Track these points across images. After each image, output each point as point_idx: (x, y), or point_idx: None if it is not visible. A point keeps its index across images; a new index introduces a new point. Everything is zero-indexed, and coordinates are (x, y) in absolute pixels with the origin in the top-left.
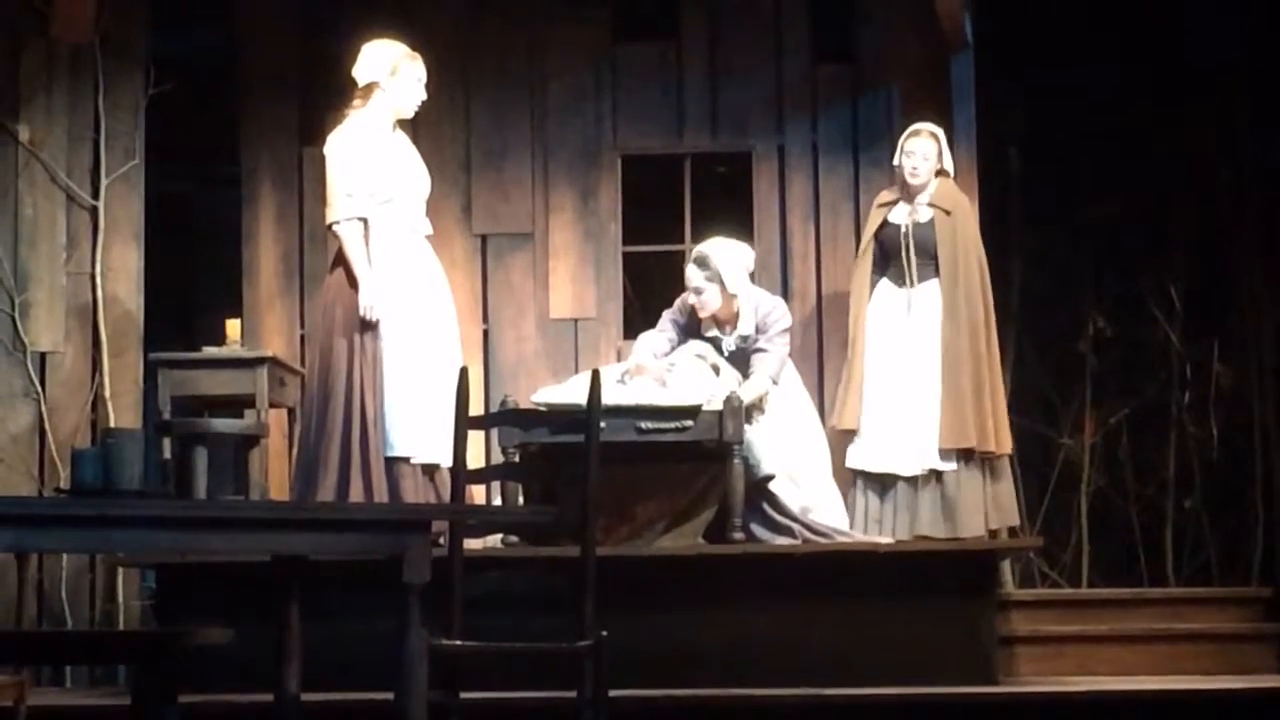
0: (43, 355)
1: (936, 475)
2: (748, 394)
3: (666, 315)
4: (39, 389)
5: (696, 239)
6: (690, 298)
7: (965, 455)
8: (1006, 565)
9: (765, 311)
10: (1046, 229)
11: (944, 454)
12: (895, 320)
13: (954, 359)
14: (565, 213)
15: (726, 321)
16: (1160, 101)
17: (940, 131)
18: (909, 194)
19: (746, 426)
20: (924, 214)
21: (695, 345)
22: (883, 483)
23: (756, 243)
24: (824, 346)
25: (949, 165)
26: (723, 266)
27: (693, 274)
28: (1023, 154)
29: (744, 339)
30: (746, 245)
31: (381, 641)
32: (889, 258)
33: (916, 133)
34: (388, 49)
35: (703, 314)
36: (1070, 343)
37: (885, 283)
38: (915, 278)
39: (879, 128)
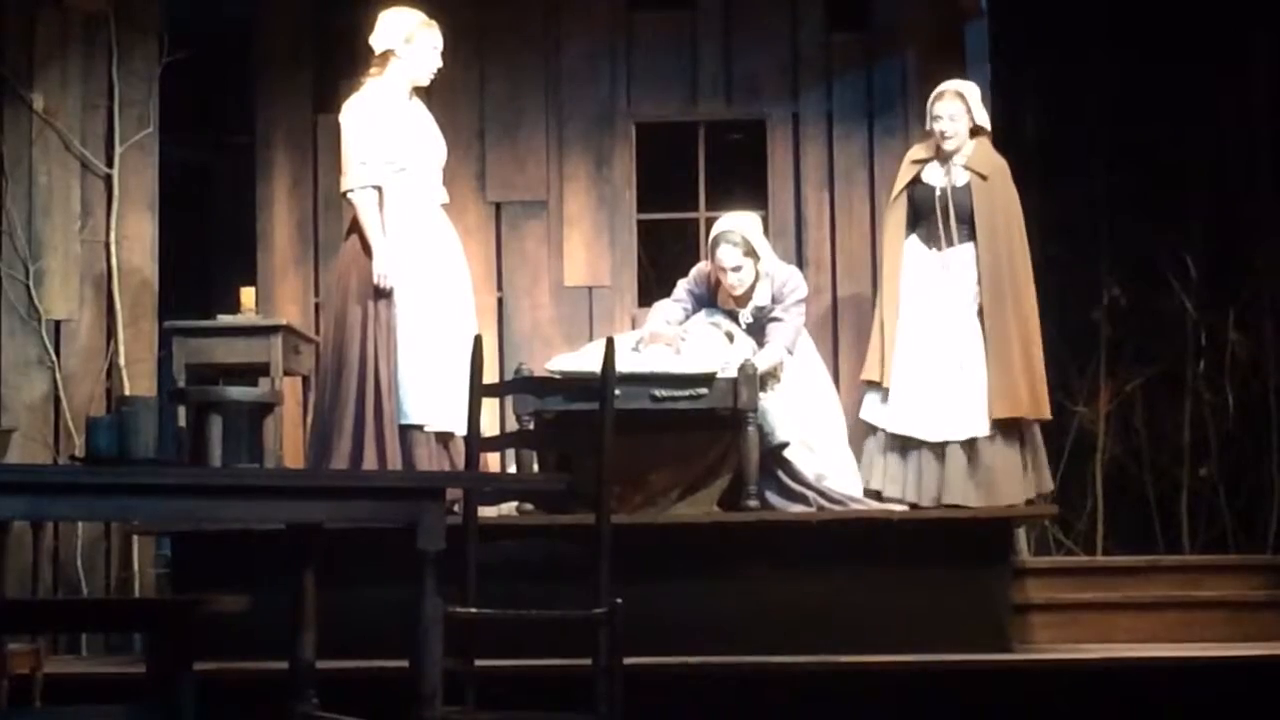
0: (57, 324)
1: (969, 444)
2: (763, 363)
3: (682, 284)
4: (54, 357)
5: (711, 207)
6: (728, 277)
7: (1002, 424)
8: (1022, 533)
9: (781, 281)
10: (1061, 196)
11: (991, 421)
12: (928, 282)
13: (999, 328)
14: (579, 180)
15: (739, 300)
16: (1175, 69)
17: (967, 87)
18: (943, 156)
19: (761, 394)
20: (960, 177)
21: (710, 313)
22: (904, 444)
23: (771, 211)
24: (838, 314)
25: (983, 121)
26: (755, 241)
27: (730, 254)
28: (1037, 121)
29: (760, 309)
30: (752, 214)
31: (396, 609)
32: (920, 217)
33: (941, 95)
34: (404, 17)
35: (737, 292)
36: (1085, 310)
37: (915, 241)
38: (947, 241)
39: (893, 95)
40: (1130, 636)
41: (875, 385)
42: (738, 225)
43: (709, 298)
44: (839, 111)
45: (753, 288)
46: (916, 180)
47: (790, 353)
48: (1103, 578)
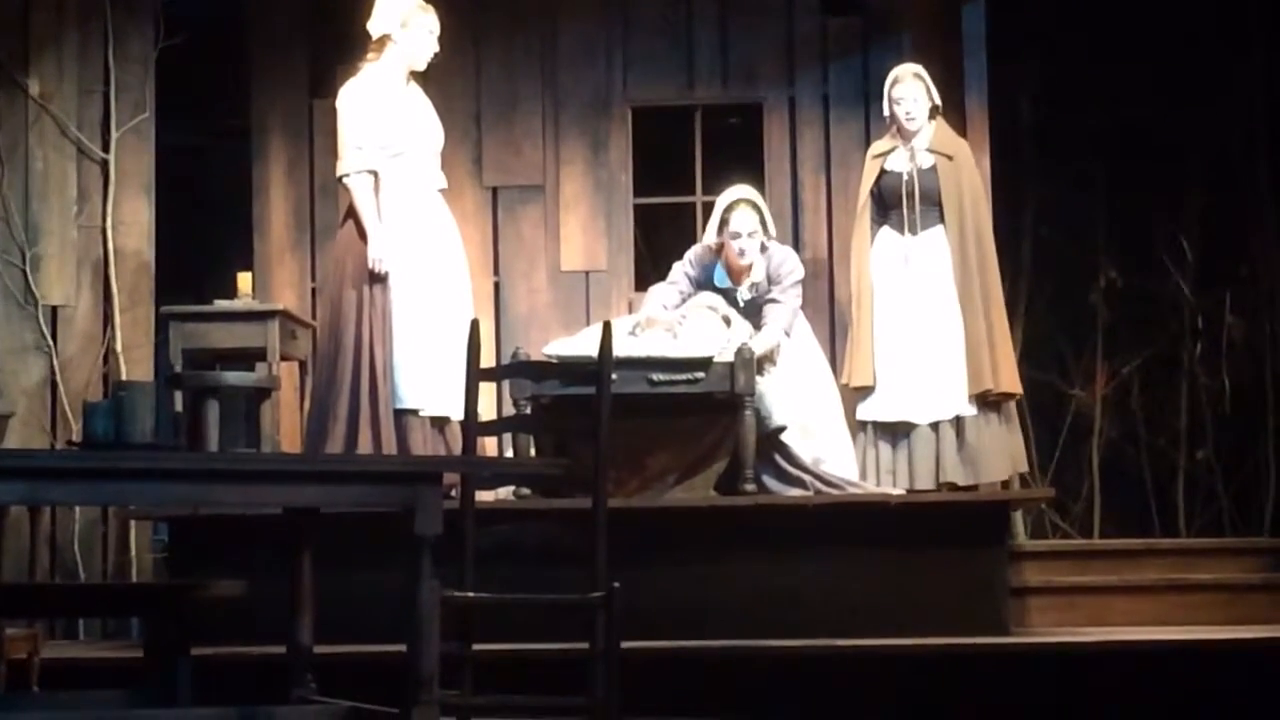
0: (54, 309)
1: (957, 421)
2: (759, 345)
3: (678, 267)
4: (51, 342)
5: (708, 191)
6: (739, 242)
7: (983, 400)
8: (1018, 516)
9: (778, 262)
10: (1057, 179)
11: (969, 397)
12: (902, 269)
13: (969, 305)
14: (576, 165)
15: (741, 272)
16: (1173, 52)
17: (922, 70)
18: (905, 139)
19: (758, 378)
20: (925, 160)
21: (706, 297)
22: (894, 432)
23: (768, 195)
24: (835, 298)
25: (938, 100)
26: (766, 213)
27: (748, 219)
28: (1034, 105)
29: (756, 285)
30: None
31: (394, 594)
32: (889, 207)
33: (900, 78)
34: (400, 1)
35: (744, 260)
36: (1082, 294)
37: (887, 231)
38: (918, 225)
39: None
40: (1127, 619)
41: (864, 388)
42: (755, 196)
43: (705, 279)
44: (835, 95)
45: (750, 265)
46: (882, 173)
47: (787, 334)
48: (1099, 561)
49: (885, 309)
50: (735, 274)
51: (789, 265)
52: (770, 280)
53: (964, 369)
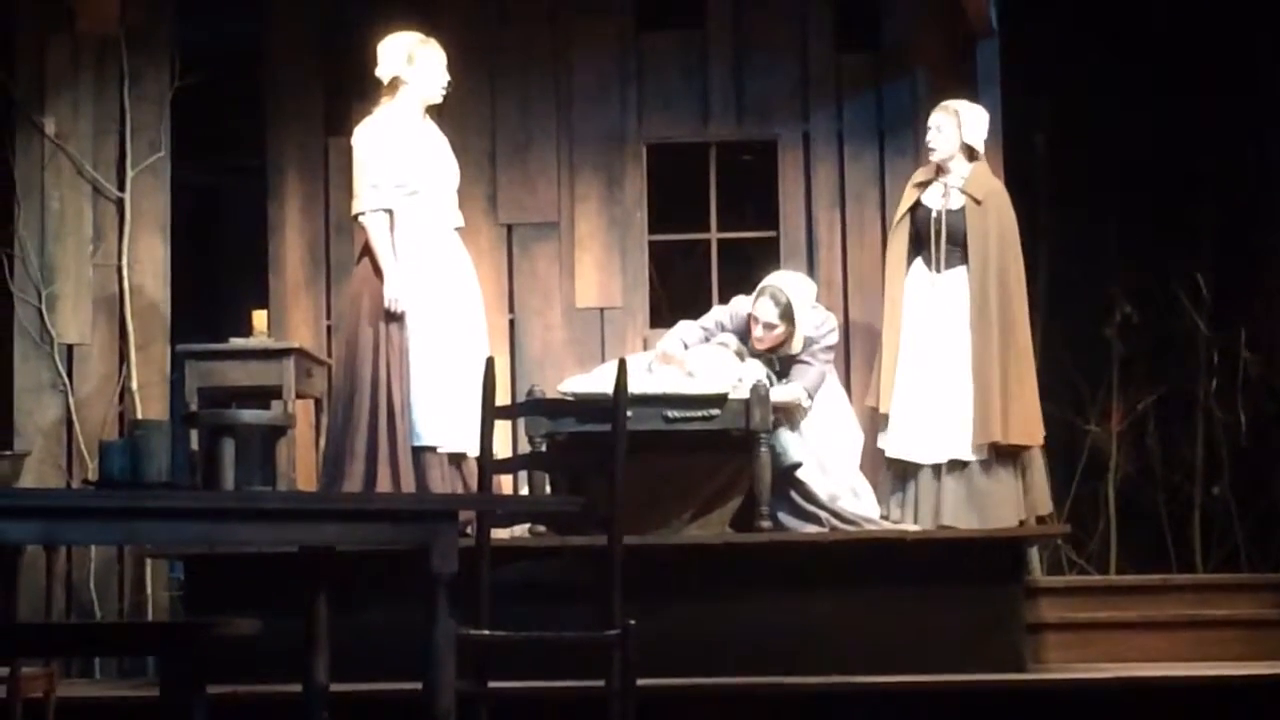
0: (70, 348)
1: (962, 466)
2: (777, 395)
3: (718, 311)
4: (66, 381)
5: (722, 228)
6: (757, 329)
7: (995, 448)
8: (1034, 553)
9: (815, 325)
10: (1073, 215)
11: (975, 447)
12: (926, 305)
13: (984, 353)
14: (591, 202)
15: (769, 350)
16: (1187, 86)
17: (964, 107)
18: (937, 173)
19: (779, 430)
20: (955, 200)
21: (723, 336)
22: (903, 469)
23: (782, 231)
24: (850, 334)
25: (973, 141)
26: (797, 308)
27: (767, 310)
28: (1048, 140)
29: (781, 360)
30: (810, 280)
31: (409, 632)
32: (920, 240)
33: (939, 108)
34: (400, 40)
35: (761, 346)
36: (1097, 329)
37: (919, 264)
38: (943, 263)
39: (904, 115)
40: (1143, 655)
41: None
42: (787, 287)
43: (738, 337)
44: (849, 131)
45: (779, 345)
46: (917, 204)
47: (811, 397)
48: (1115, 597)
49: (910, 342)
50: (757, 344)
51: (824, 330)
52: (803, 345)
53: (970, 416)
